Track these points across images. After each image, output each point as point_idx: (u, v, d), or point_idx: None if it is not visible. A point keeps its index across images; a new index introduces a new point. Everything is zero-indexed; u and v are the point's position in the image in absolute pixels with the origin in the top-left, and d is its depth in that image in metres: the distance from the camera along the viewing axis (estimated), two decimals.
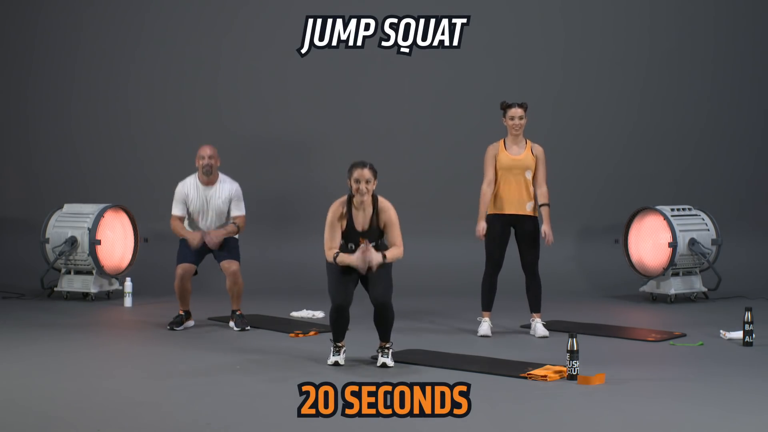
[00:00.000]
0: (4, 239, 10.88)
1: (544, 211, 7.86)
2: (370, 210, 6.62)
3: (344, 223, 6.61)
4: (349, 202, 6.63)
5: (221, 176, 8.25)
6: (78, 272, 9.58)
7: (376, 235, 6.64)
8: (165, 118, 11.06)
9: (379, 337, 6.66)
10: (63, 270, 9.60)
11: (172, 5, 11.14)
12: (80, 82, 11.16)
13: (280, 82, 11.08)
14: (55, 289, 9.63)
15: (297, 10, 10.96)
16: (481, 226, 7.78)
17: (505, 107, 7.81)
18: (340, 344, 6.66)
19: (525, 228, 7.81)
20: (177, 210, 8.19)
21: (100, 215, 9.50)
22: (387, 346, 6.63)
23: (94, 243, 9.37)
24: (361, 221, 6.62)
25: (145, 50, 11.11)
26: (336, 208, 6.62)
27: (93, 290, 9.47)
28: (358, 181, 6.52)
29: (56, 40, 11.16)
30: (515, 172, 7.77)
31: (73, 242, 9.43)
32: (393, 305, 6.60)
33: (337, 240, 6.62)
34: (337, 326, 6.61)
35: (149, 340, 7.66)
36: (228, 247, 8.14)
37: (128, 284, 9.22)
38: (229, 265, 8.04)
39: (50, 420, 5.27)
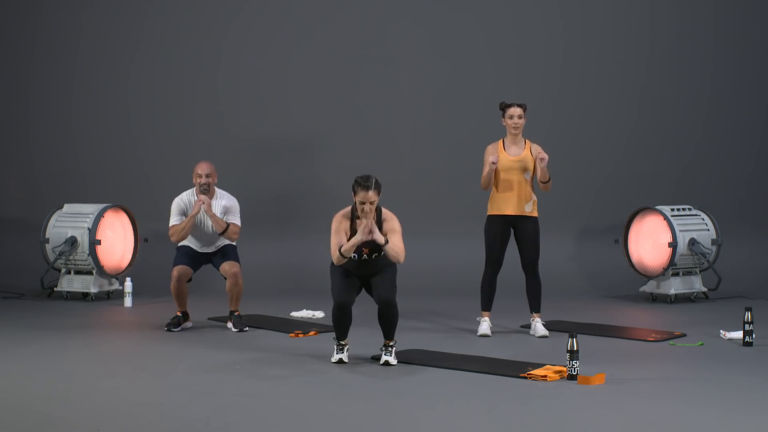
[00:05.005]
0: (4, 239, 10.87)
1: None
2: (373, 219, 6.60)
3: (347, 232, 6.62)
4: (353, 212, 6.65)
5: (219, 192, 8.11)
6: (78, 272, 9.58)
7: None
8: (165, 118, 11.05)
9: (383, 335, 6.68)
10: (63, 270, 9.60)
11: (172, 5, 11.13)
12: (80, 82, 11.15)
13: (280, 81, 11.07)
14: (55, 289, 9.63)
15: (297, 10, 10.98)
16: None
17: (504, 107, 7.82)
18: (343, 342, 6.68)
19: (525, 228, 7.81)
20: (176, 220, 7.99)
21: (100, 215, 9.50)
22: (391, 344, 6.66)
23: (94, 243, 9.37)
24: None
25: (145, 50, 11.10)
26: (339, 218, 6.64)
27: (93, 290, 9.47)
28: (362, 203, 6.53)
29: (56, 40, 11.15)
30: (514, 173, 7.77)
31: (73, 242, 9.43)
32: (397, 304, 6.62)
33: (343, 241, 6.60)
34: (340, 324, 6.62)
35: (149, 340, 7.66)
36: (227, 253, 8.10)
37: (128, 284, 9.21)
38: (231, 267, 7.98)
39: (50, 420, 5.27)
